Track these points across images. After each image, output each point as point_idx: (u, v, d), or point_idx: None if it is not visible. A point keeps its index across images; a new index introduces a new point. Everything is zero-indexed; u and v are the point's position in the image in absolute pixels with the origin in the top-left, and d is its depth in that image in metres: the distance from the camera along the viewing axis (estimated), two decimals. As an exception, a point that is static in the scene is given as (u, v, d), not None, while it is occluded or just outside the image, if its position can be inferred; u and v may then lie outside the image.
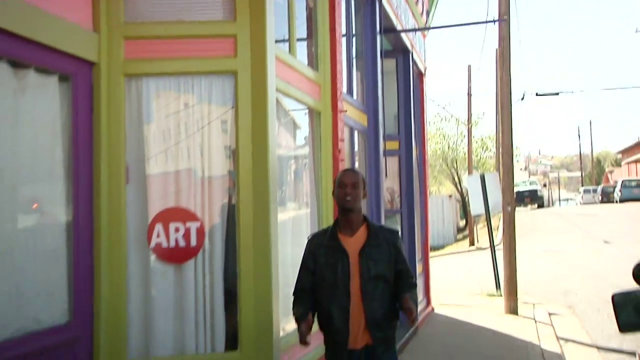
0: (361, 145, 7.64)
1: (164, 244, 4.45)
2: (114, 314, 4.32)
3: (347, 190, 3.71)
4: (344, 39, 6.74)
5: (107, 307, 4.30)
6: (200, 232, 4.48)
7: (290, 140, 5.83)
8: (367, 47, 7.93)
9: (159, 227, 4.47)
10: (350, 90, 7.14)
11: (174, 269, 4.53)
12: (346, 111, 6.48)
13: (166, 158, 4.70)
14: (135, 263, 4.48)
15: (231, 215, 4.66)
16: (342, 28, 6.67)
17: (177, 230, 4.46)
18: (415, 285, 3.83)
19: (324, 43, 6.20)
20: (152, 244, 4.46)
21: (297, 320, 3.68)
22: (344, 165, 6.44)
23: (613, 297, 3.98)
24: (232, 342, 4.46)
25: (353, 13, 7.58)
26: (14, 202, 3.82)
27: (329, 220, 5.91)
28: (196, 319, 4.53)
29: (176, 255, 4.49)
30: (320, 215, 6.08)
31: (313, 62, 6.10)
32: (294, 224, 5.55)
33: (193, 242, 4.46)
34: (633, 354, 4.84)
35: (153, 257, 4.51)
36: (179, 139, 4.72)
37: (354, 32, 7.60)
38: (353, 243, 3.72)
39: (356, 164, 7.42)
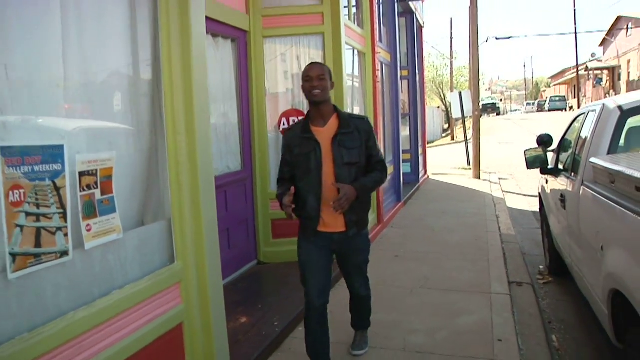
0: (387, 73, 7.89)
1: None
2: (262, 166, 4.88)
3: (313, 84, 2.65)
4: (376, 8, 6.90)
5: (259, 163, 4.84)
6: (306, 122, 5.16)
7: (350, 70, 6.15)
8: (390, 11, 8.12)
9: (283, 119, 4.88)
10: (380, 39, 7.35)
11: (292, 143, 5.19)
12: (380, 52, 6.81)
13: (286, 82, 5.07)
14: (272, 138, 4.93)
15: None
16: (375, 2, 6.81)
17: (293, 120, 4.75)
18: (383, 169, 2.82)
19: (366, 12, 6.42)
20: (280, 128, 4.86)
21: (280, 198, 2.69)
22: (379, 85, 6.67)
23: (525, 152, 4.48)
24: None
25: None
26: (213, 110, 4.20)
27: (371, 114, 6.18)
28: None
29: (293, 135, 5.16)
30: (366, 112, 6.25)
31: (361, 23, 6.38)
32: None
33: (303, 127, 5.13)
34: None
35: (281, 135, 4.71)
36: (292, 71, 5.02)
37: (381, 2, 7.68)
38: (325, 132, 2.71)
39: (385, 85, 7.60)
